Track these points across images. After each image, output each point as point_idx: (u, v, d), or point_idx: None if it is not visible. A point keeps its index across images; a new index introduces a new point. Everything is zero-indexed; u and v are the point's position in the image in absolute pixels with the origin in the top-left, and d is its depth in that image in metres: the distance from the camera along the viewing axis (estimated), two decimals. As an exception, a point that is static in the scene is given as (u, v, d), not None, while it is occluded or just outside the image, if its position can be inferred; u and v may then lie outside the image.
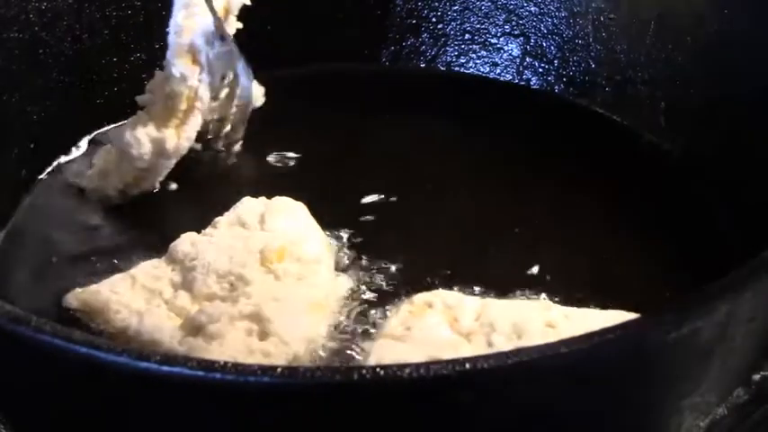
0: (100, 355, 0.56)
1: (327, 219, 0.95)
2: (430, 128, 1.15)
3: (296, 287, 0.86)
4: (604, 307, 0.85)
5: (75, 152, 1.10)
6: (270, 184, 1.00)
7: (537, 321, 0.80)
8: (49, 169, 1.07)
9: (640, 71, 1.13)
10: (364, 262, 0.92)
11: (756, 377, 0.81)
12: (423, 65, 1.26)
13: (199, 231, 0.92)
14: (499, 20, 1.23)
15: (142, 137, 0.99)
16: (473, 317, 0.82)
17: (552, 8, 1.20)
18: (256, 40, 1.07)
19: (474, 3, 1.24)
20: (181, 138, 1.00)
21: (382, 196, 1.02)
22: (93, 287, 0.87)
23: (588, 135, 1.12)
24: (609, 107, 1.15)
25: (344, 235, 0.94)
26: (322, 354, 0.83)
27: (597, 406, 0.63)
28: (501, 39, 1.23)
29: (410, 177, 1.05)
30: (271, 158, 1.08)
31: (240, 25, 1.05)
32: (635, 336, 0.60)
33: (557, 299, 0.87)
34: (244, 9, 1.06)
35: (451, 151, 1.11)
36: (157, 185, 1.02)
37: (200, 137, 1.06)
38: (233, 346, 0.79)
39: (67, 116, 1.09)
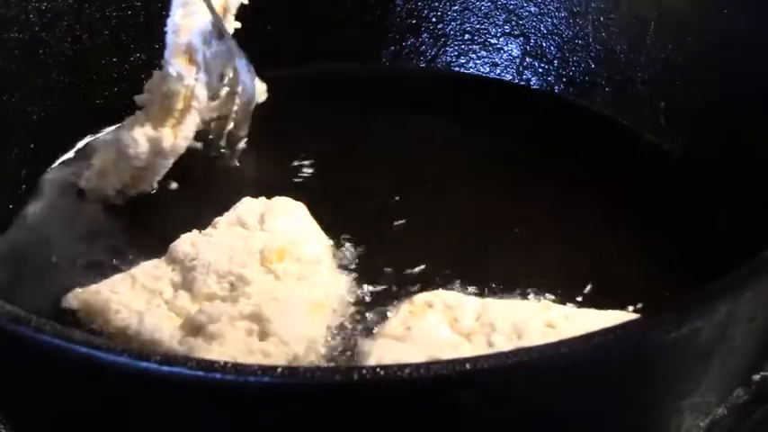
0: (100, 355, 0.56)
1: (327, 219, 0.95)
2: (430, 128, 1.15)
3: (296, 287, 0.86)
4: (604, 307, 0.85)
5: (75, 152, 1.10)
6: (270, 184, 1.00)
7: (537, 321, 0.80)
8: (49, 169, 1.07)
9: (640, 71, 1.13)
10: (364, 262, 0.92)
11: (756, 377, 0.81)
12: (423, 65, 1.26)
13: (199, 231, 0.92)
14: (499, 20, 1.23)
15: (139, 136, 0.99)
16: (473, 317, 0.82)
17: (552, 8, 1.20)
18: (256, 40, 1.07)
19: (474, 3, 1.24)
20: (178, 137, 1.00)
21: (382, 196, 1.02)
22: (93, 287, 0.87)
23: (588, 135, 1.12)
24: (609, 107, 1.15)
25: (344, 235, 0.94)
26: (322, 354, 0.83)
27: (597, 406, 0.63)
28: (501, 39, 1.23)
29: (410, 177, 1.05)
30: (271, 159, 1.08)
31: (239, 25, 1.05)
32: (635, 336, 0.60)
33: (557, 299, 0.87)
34: (244, 9, 1.06)
35: (451, 151, 1.11)
36: (156, 185, 1.02)
37: (202, 137, 1.06)
38: (233, 346, 0.79)
39: (67, 116, 1.09)
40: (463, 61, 1.25)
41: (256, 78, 1.07)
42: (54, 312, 0.86)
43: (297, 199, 0.96)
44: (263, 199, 0.95)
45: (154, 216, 1.01)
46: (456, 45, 1.25)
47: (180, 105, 1.00)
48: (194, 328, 0.81)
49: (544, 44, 1.21)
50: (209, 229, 0.92)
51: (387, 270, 0.91)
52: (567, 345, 0.57)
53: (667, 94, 1.10)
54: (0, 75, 1.02)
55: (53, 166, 1.08)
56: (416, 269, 0.91)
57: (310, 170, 1.06)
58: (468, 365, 0.55)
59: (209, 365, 0.56)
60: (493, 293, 0.88)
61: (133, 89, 1.07)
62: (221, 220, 0.93)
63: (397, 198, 1.02)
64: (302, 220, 0.94)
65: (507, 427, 0.61)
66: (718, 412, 0.78)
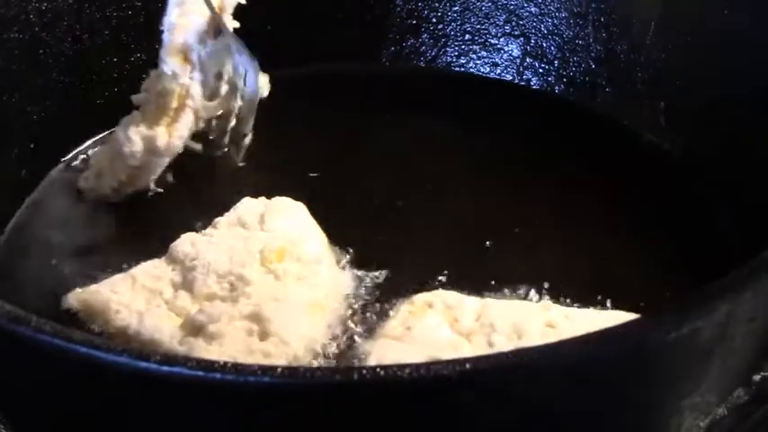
0: (100, 355, 0.56)
1: (327, 219, 0.95)
2: (430, 128, 1.15)
3: (296, 287, 0.86)
4: (604, 307, 0.85)
5: (75, 152, 1.10)
6: (270, 184, 1.00)
7: (537, 321, 0.80)
8: (49, 169, 1.07)
9: (640, 71, 1.13)
10: (364, 262, 0.92)
11: (756, 377, 0.81)
12: (423, 65, 1.26)
13: (199, 231, 0.92)
14: (499, 20, 1.23)
15: (134, 135, 0.99)
16: (473, 317, 0.82)
17: (553, 9, 1.20)
18: (256, 40, 1.06)
19: (474, 3, 1.24)
20: (172, 136, 1.00)
21: (382, 196, 1.02)
22: (93, 287, 0.87)
23: (588, 135, 1.12)
24: (609, 107, 1.15)
25: (344, 235, 0.94)
26: (322, 354, 0.83)
27: (597, 406, 0.63)
28: (501, 39, 1.23)
29: (410, 177, 1.05)
30: (271, 159, 1.08)
31: (237, 24, 1.05)
32: (635, 336, 0.60)
33: (557, 299, 0.87)
34: (244, 9, 1.06)
35: (451, 151, 1.11)
36: (152, 184, 1.02)
37: (204, 138, 1.06)
38: (233, 346, 0.79)
39: (67, 116, 1.09)
40: (463, 61, 1.25)
41: (260, 73, 1.07)
42: (54, 312, 0.86)
43: (297, 199, 0.96)
44: (263, 199, 0.95)
45: (154, 216, 1.01)
46: (456, 45, 1.25)
47: (175, 104, 1.00)
48: (194, 328, 0.81)
49: (544, 44, 1.21)
50: (209, 229, 0.92)
51: (387, 270, 0.91)
52: (566, 345, 0.57)
53: (667, 94, 1.10)
54: (0, 75, 1.02)
55: (53, 166, 1.08)
56: (416, 269, 0.91)
57: (310, 170, 1.06)
58: (468, 365, 0.55)
59: (209, 365, 0.56)
60: (493, 293, 0.88)
61: (133, 89, 1.07)
62: (221, 220, 0.93)
63: (396, 198, 1.02)
64: (302, 220, 0.94)
65: (507, 427, 0.61)
66: (718, 412, 0.78)
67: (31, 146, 1.05)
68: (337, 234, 0.94)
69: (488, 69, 1.24)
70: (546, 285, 0.89)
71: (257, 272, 0.86)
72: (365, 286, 0.89)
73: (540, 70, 1.21)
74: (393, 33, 1.26)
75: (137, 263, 0.90)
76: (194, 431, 0.62)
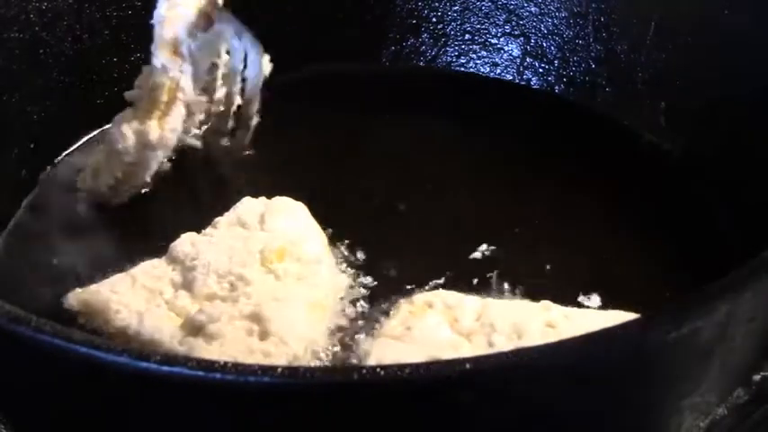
0: (100, 355, 0.56)
1: (327, 219, 0.95)
2: (430, 128, 1.15)
3: (296, 287, 0.86)
4: (604, 307, 0.85)
5: (75, 152, 1.10)
6: (270, 184, 1.00)
7: (537, 321, 0.80)
8: (49, 169, 1.07)
9: (640, 71, 1.13)
10: (364, 262, 0.92)
11: (756, 377, 0.81)
12: (423, 65, 1.26)
13: (199, 231, 0.92)
14: (499, 20, 1.23)
15: (126, 130, 1.00)
16: (473, 317, 0.82)
17: (552, 8, 1.20)
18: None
19: (474, 3, 1.24)
20: (164, 129, 1.00)
21: (382, 196, 1.02)
22: (93, 287, 0.87)
23: (588, 135, 1.12)
24: (609, 107, 1.15)
25: (344, 235, 0.94)
26: (322, 353, 0.83)
27: (597, 406, 0.63)
28: (501, 39, 1.23)
29: (410, 177, 1.05)
30: (271, 159, 1.08)
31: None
32: (635, 336, 0.60)
33: (557, 299, 0.87)
34: (244, 10, 1.05)
35: (451, 151, 1.11)
36: (148, 178, 1.02)
37: (210, 126, 1.06)
38: (233, 346, 0.79)
39: (67, 116, 1.09)
40: (463, 61, 1.25)
41: (262, 53, 1.07)
42: (54, 312, 0.86)
43: (297, 199, 0.96)
44: (263, 199, 0.95)
45: (154, 216, 1.01)
46: (456, 45, 1.25)
47: (165, 97, 1.00)
48: (194, 328, 0.81)
49: (544, 44, 1.21)
50: (209, 229, 0.92)
51: (387, 270, 0.91)
52: (567, 345, 0.57)
53: (667, 94, 1.10)
54: (0, 75, 1.02)
55: (53, 166, 1.08)
56: (416, 269, 0.91)
57: (310, 170, 1.06)
58: (468, 365, 0.55)
59: (209, 365, 0.55)
60: (493, 293, 0.88)
61: (133, 89, 1.07)
62: (221, 220, 0.93)
63: (396, 198, 1.02)
64: (302, 220, 0.94)
65: (507, 427, 0.61)
66: (718, 412, 0.78)
67: (31, 146, 1.05)
68: (337, 234, 0.94)
69: (488, 69, 1.24)
70: (546, 285, 0.89)
71: (257, 272, 0.86)
72: (365, 286, 0.90)
73: (540, 70, 1.21)
74: (393, 33, 1.26)
75: (137, 263, 0.90)
76: (194, 431, 0.62)
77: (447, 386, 0.56)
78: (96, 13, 1.12)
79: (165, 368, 0.56)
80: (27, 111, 1.05)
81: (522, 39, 1.22)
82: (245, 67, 1.06)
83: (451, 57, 1.25)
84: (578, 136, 1.12)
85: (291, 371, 0.58)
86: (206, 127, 1.08)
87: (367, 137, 1.13)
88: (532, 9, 1.21)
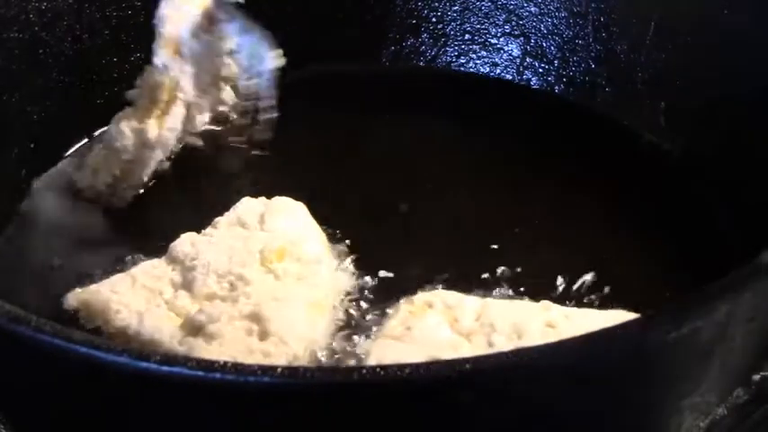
0: (100, 355, 0.56)
1: (327, 219, 0.95)
2: (430, 128, 1.15)
3: (296, 287, 0.86)
4: (604, 307, 0.85)
5: (75, 152, 1.10)
6: (270, 184, 1.00)
7: (537, 321, 0.80)
8: (49, 169, 1.07)
9: (640, 71, 1.13)
10: (364, 262, 0.92)
11: (756, 377, 0.81)
12: (423, 65, 1.26)
13: (199, 231, 0.92)
14: (499, 20, 1.23)
15: (125, 128, 1.00)
16: (473, 317, 0.82)
17: (552, 8, 1.20)
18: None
19: (474, 3, 1.24)
20: (163, 128, 1.01)
21: (382, 196, 1.02)
22: (93, 287, 0.87)
23: (588, 135, 1.12)
24: (609, 107, 1.15)
25: (344, 235, 0.94)
26: (322, 354, 0.83)
27: (597, 406, 0.63)
28: (501, 39, 1.23)
29: (410, 177, 1.05)
30: (271, 158, 1.08)
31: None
32: (635, 336, 0.60)
33: (557, 299, 0.87)
34: (244, 10, 1.06)
35: (451, 151, 1.11)
36: (146, 178, 1.02)
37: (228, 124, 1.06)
38: (233, 346, 0.79)
39: (67, 116, 1.09)
40: (463, 61, 1.25)
41: (271, 47, 1.07)
42: (54, 312, 0.86)
43: (297, 199, 0.96)
44: (263, 199, 0.95)
45: (154, 216, 1.01)
46: (456, 45, 1.25)
47: (165, 97, 1.00)
48: (194, 328, 0.81)
49: (544, 44, 1.21)
50: (209, 229, 0.92)
51: (387, 270, 0.91)
52: (566, 345, 0.57)
53: (667, 94, 1.10)
54: (0, 75, 1.02)
55: (53, 166, 1.08)
56: (416, 269, 0.91)
57: (310, 170, 1.06)
58: (468, 365, 0.55)
59: (209, 365, 0.55)
60: (493, 293, 0.88)
61: (133, 89, 1.07)
62: (221, 220, 0.93)
63: (396, 198, 1.02)
64: (302, 220, 0.94)
65: (507, 427, 0.61)
66: (718, 412, 0.78)
67: (31, 146, 1.05)
68: (337, 234, 0.94)
69: (488, 69, 1.24)
70: (545, 285, 0.89)
71: (257, 272, 0.86)
72: (365, 286, 0.89)
73: (540, 70, 1.21)
74: (393, 33, 1.26)
75: (137, 263, 0.90)
76: (194, 431, 0.62)
77: (447, 386, 0.56)
78: (96, 13, 1.12)
79: (165, 368, 0.56)
80: (27, 111, 1.05)
81: (521, 39, 1.22)
82: (253, 63, 1.06)
83: (451, 57, 1.25)
84: (578, 136, 1.12)
85: (291, 371, 0.58)
86: (206, 127, 1.08)
87: (367, 137, 1.13)
88: (532, 9, 1.21)
